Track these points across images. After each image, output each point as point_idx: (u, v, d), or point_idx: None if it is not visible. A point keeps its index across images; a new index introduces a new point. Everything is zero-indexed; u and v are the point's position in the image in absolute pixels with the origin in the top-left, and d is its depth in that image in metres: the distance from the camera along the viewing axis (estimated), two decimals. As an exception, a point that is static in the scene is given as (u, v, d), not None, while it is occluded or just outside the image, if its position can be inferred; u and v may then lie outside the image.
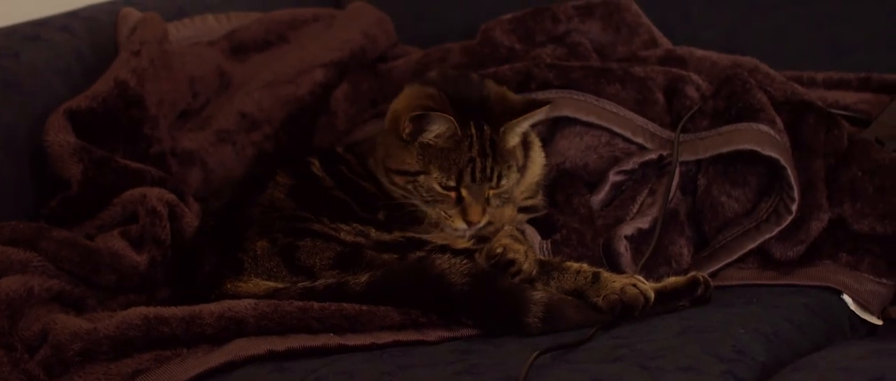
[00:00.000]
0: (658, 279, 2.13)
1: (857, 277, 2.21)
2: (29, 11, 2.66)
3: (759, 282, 2.23)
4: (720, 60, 2.56)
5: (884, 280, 2.21)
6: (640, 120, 2.41)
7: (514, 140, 2.24)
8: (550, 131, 2.44)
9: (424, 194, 2.22)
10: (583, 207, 2.31)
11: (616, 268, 2.18)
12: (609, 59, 2.62)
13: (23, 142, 2.36)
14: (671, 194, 2.30)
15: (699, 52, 2.59)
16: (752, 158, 2.29)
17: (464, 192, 2.20)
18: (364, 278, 2.03)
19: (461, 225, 2.20)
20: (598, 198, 2.36)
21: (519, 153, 2.26)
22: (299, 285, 2.06)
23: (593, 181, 2.40)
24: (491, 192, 2.21)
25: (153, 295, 2.21)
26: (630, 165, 2.36)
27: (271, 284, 2.09)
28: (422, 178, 2.21)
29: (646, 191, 2.35)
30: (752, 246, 2.24)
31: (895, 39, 2.73)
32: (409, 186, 2.22)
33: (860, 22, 2.75)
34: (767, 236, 2.24)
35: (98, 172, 2.30)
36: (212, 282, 2.12)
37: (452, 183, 2.19)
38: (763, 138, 2.28)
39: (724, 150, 2.31)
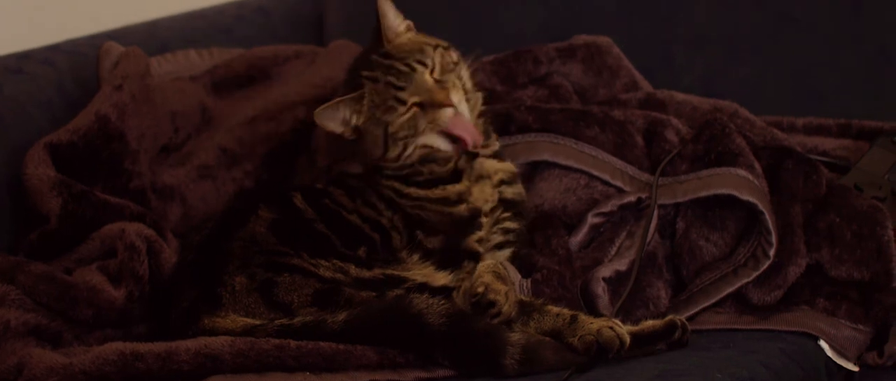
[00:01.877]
0: (636, 322, 2.13)
1: (835, 323, 2.22)
2: (10, 44, 2.66)
3: (736, 326, 2.24)
4: (700, 104, 2.57)
5: (860, 326, 2.22)
6: (619, 163, 2.42)
7: (403, 37, 2.40)
8: (530, 174, 2.45)
9: (411, 132, 2.31)
10: (562, 248, 2.31)
11: (594, 310, 2.18)
12: (590, 102, 2.63)
13: (2, 175, 2.35)
14: (649, 237, 2.30)
15: (679, 96, 2.61)
16: (730, 202, 2.29)
17: (415, 97, 2.30)
18: (342, 316, 2.02)
19: (447, 112, 2.30)
20: (577, 240, 2.36)
21: (425, 37, 2.40)
22: (276, 322, 2.05)
23: (572, 223, 2.40)
24: (431, 76, 2.31)
25: (130, 330, 2.21)
26: (609, 207, 2.37)
27: (249, 320, 2.08)
28: (391, 128, 2.31)
29: (624, 233, 2.35)
30: (729, 290, 2.25)
31: (874, 85, 2.75)
32: (401, 143, 2.32)
33: (840, 68, 2.77)
34: (745, 280, 2.24)
35: (77, 206, 2.29)
36: (189, 317, 2.11)
37: (402, 108, 2.30)
38: (741, 183, 2.28)
39: (703, 194, 2.32)
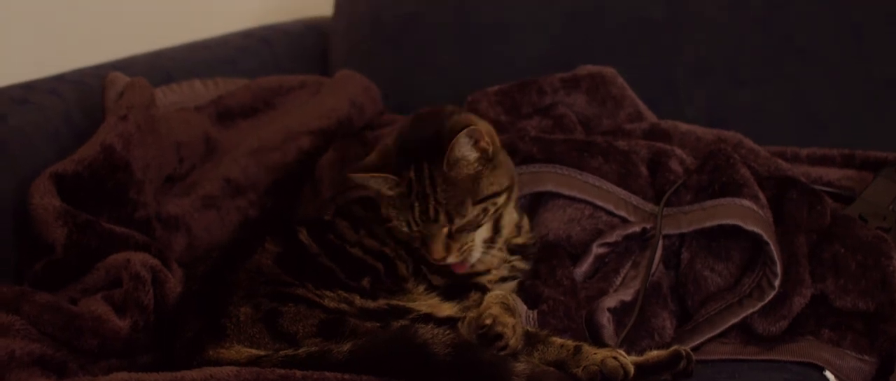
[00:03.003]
0: (640, 352, 2.12)
1: (840, 353, 2.21)
2: (16, 74, 2.66)
3: (741, 357, 2.23)
4: (704, 135, 2.58)
5: (866, 357, 2.22)
6: (623, 193, 2.42)
7: (464, 170, 2.23)
8: (534, 204, 2.46)
9: (402, 237, 2.27)
10: (566, 278, 2.31)
11: (598, 340, 2.18)
12: (594, 132, 2.64)
13: (9, 204, 2.35)
14: (654, 268, 2.30)
15: (684, 127, 2.61)
16: (735, 232, 2.29)
17: (417, 234, 2.24)
18: (347, 346, 2.02)
19: (431, 260, 2.24)
20: (582, 270, 2.36)
21: (488, 181, 2.26)
22: (281, 352, 2.05)
23: (577, 253, 2.40)
24: (448, 229, 2.23)
25: (135, 360, 2.20)
26: (613, 237, 2.37)
27: (253, 351, 2.07)
28: (392, 224, 2.26)
29: (629, 263, 2.35)
30: (734, 321, 2.24)
31: (878, 115, 2.75)
32: (394, 232, 2.27)
33: (844, 97, 2.77)
34: (750, 311, 2.24)
35: (82, 236, 2.29)
36: (194, 348, 2.11)
37: (405, 228, 2.24)
38: (746, 214, 2.28)
39: (707, 224, 2.32)
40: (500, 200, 2.28)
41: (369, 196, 2.39)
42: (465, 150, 2.22)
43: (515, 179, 2.35)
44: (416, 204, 2.22)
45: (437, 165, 2.21)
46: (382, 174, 2.23)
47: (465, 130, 2.18)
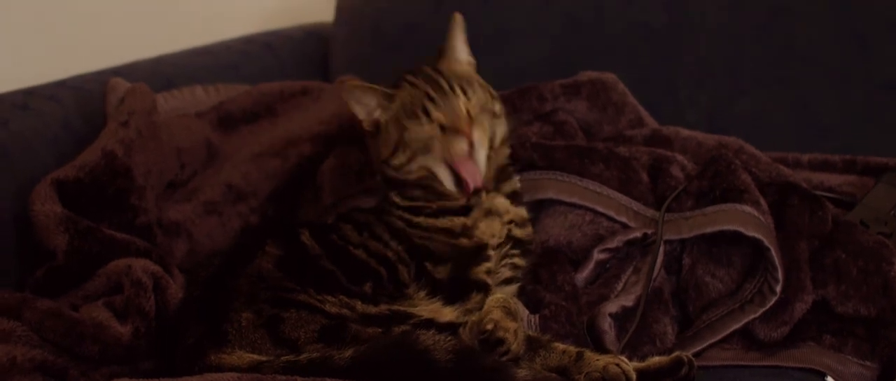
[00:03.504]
0: (642, 358, 2.13)
1: (841, 359, 2.21)
2: (17, 80, 2.66)
3: (742, 363, 2.23)
4: (706, 141, 2.58)
5: (867, 363, 2.21)
6: (624, 199, 2.42)
7: (460, 67, 2.41)
8: (535, 210, 2.46)
9: (422, 146, 2.32)
10: (568, 284, 2.31)
11: (600, 346, 2.18)
12: (595, 138, 2.64)
13: (9, 211, 2.36)
14: (655, 273, 2.30)
15: (685, 132, 2.61)
16: (736, 238, 2.29)
17: (441, 117, 2.31)
18: (348, 352, 2.01)
19: (462, 145, 2.29)
20: (583, 276, 2.36)
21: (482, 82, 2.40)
22: (283, 358, 2.05)
23: (578, 259, 2.40)
24: (467, 106, 2.32)
25: (136, 367, 2.20)
26: (614, 243, 2.37)
27: (255, 356, 2.07)
28: (407, 135, 2.33)
29: (630, 269, 2.35)
30: (736, 327, 2.24)
31: (880, 121, 2.75)
32: (409, 153, 2.34)
33: (845, 103, 2.77)
34: (752, 316, 2.24)
35: (84, 242, 2.29)
36: (195, 354, 2.10)
37: (425, 119, 2.32)
38: (747, 219, 2.28)
39: (708, 230, 2.32)
40: (498, 107, 2.39)
41: (371, 204, 2.40)
42: (459, 41, 2.42)
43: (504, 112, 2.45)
44: (430, 88, 2.33)
45: (437, 62, 2.40)
46: (382, 87, 2.36)
47: (457, 15, 2.40)
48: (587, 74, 2.72)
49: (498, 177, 2.40)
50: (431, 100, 2.33)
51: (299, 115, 2.81)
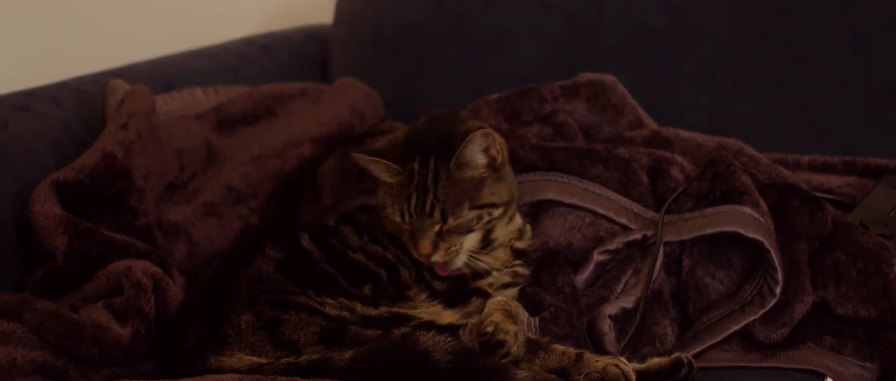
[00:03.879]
0: (642, 360, 2.13)
1: (841, 360, 2.21)
2: (17, 81, 2.66)
3: (742, 364, 2.23)
4: (705, 142, 2.58)
5: (867, 364, 2.21)
6: (623, 200, 2.42)
7: (469, 172, 2.25)
8: (535, 212, 2.46)
9: (392, 227, 2.28)
10: (568, 286, 2.31)
11: (600, 347, 2.18)
12: (595, 139, 2.64)
13: (9, 212, 2.35)
14: (655, 275, 2.30)
15: (684, 134, 2.61)
16: (736, 240, 2.29)
17: (408, 226, 2.26)
18: (348, 354, 2.01)
19: (421, 258, 2.25)
20: (583, 277, 2.36)
21: (490, 190, 2.27)
22: (283, 360, 2.05)
23: (578, 260, 2.40)
24: (440, 227, 2.24)
25: (136, 368, 2.20)
26: (614, 245, 2.37)
27: (255, 359, 2.07)
28: (386, 211, 2.27)
29: (630, 271, 2.35)
30: (736, 328, 2.24)
31: (880, 123, 2.75)
32: (385, 221, 2.29)
33: (845, 105, 2.78)
34: (751, 318, 2.24)
35: (83, 244, 2.29)
36: (195, 356, 2.10)
37: (398, 218, 2.26)
38: (747, 221, 2.28)
39: (708, 231, 2.32)
40: (496, 212, 2.29)
41: (372, 204, 2.39)
42: (475, 151, 2.24)
43: (515, 195, 2.36)
44: (415, 195, 2.24)
45: (444, 162, 2.23)
46: (386, 161, 2.25)
47: (480, 131, 2.21)
48: (587, 76, 2.72)
49: (515, 252, 2.38)
50: (411, 206, 2.25)
51: (299, 116, 2.81)
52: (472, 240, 2.28)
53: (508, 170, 2.34)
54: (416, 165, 2.25)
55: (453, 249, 2.25)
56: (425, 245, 2.23)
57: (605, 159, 2.48)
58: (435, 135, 2.29)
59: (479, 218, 2.26)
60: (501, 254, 2.35)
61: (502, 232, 2.34)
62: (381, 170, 2.27)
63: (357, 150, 2.31)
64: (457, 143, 2.22)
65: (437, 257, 2.24)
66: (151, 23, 3.30)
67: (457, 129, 2.26)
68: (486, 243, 2.32)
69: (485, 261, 2.31)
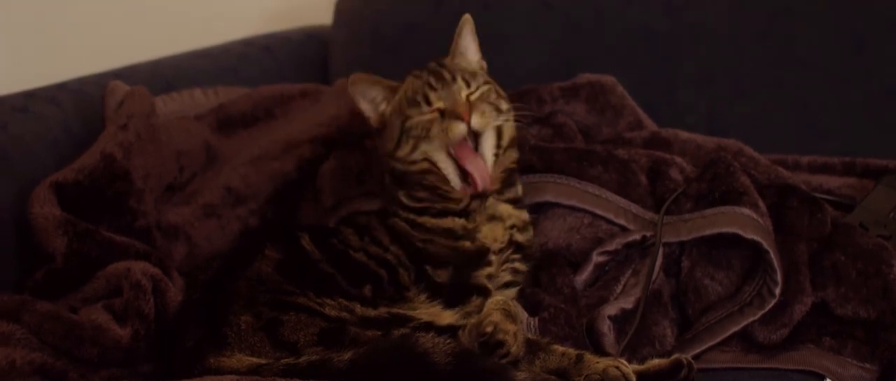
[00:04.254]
0: (641, 361, 2.13)
1: (841, 361, 2.21)
2: (17, 83, 2.67)
3: (742, 365, 2.23)
4: (705, 143, 2.58)
5: (867, 365, 2.21)
6: (622, 202, 2.42)
7: (466, 65, 2.43)
8: (534, 213, 2.46)
9: (423, 134, 2.34)
10: (567, 286, 2.31)
11: (599, 348, 2.18)
12: (594, 140, 2.64)
13: (8, 213, 2.35)
14: (654, 276, 2.30)
15: (684, 135, 2.61)
16: (735, 241, 2.29)
17: (440, 103, 2.34)
18: (348, 355, 2.01)
19: (460, 127, 2.30)
20: (582, 278, 2.36)
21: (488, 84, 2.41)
22: (282, 361, 2.05)
23: (577, 261, 2.40)
24: (468, 94, 2.35)
25: (136, 369, 2.20)
26: (613, 245, 2.37)
27: (254, 359, 2.07)
28: (408, 123, 2.35)
29: (629, 272, 2.35)
30: (735, 329, 2.24)
31: (879, 124, 2.75)
32: (412, 142, 2.35)
33: (844, 106, 2.78)
34: (751, 319, 2.24)
35: (83, 245, 2.29)
36: (195, 357, 2.10)
37: (426, 107, 2.35)
38: (746, 222, 2.28)
39: (707, 232, 2.32)
40: (504, 105, 2.39)
41: (374, 206, 2.40)
42: (469, 41, 2.44)
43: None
44: (431, 77, 2.37)
45: (441, 58, 2.42)
46: (387, 81, 2.40)
47: (467, 19, 2.41)
48: (586, 77, 2.73)
49: (504, 180, 2.40)
50: (432, 87, 2.36)
51: (298, 117, 2.81)
52: (490, 139, 2.36)
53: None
54: (415, 71, 2.41)
55: (486, 115, 2.33)
56: (461, 106, 2.32)
57: (604, 160, 2.48)
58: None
59: (496, 96, 2.39)
60: (499, 232, 2.36)
61: (508, 137, 2.40)
62: (381, 90, 2.41)
63: (361, 76, 2.42)
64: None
65: (475, 120, 2.30)
66: (151, 24, 3.30)
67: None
68: (499, 145, 2.38)
69: (484, 233, 2.35)
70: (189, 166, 2.62)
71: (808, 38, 2.80)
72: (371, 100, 2.41)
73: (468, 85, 2.36)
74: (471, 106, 2.32)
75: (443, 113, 2.33)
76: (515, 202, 2.42)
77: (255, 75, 3.05)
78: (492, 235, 2.35)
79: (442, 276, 2.29)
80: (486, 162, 2.35)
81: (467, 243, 2.33)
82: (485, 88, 2.38)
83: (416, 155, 2.36)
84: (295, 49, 3.27)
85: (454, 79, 2.36)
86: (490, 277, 2.31)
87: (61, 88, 2.69)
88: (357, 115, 2.80)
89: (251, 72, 3.07)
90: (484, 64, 2.47)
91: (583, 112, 2.69)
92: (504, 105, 2.40)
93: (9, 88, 2.62)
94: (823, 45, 2.79)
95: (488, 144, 2.36)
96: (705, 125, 2.79)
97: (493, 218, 2.36)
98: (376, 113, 2.43)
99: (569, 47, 2.98)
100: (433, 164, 2.35)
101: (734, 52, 2.86)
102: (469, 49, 2.46)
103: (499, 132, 2.38)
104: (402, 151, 2.37)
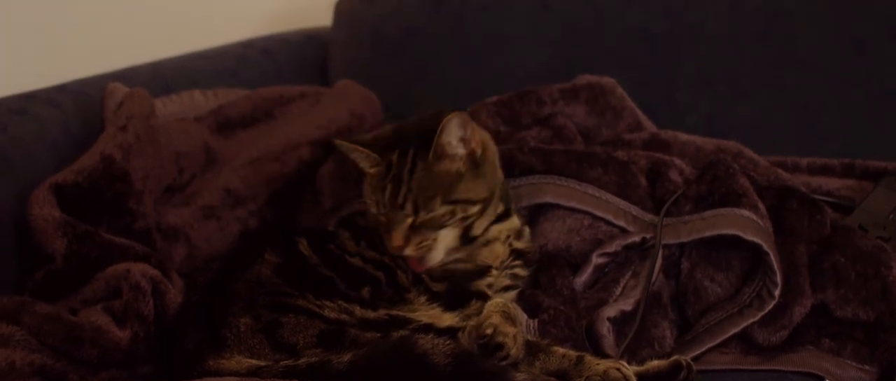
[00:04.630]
0: (641, 362, 2.12)
1: (840, 363, 2.21)
2: (16, 84, 2.66)
3: (741, 367, 2.23)
4: (704, 145, 2.58)
5: (866, 367, 2.21)
6: (622, 203, 2.42)
7: (446, 165, 2.26)
8: (534, 214, 2.46)
9: (372, 219, 2.30)
10: (566, 288, 2.31)
11: (599, 350, 2.18)
12: (594, 142, 2.64)
13: (8, 215, 2.35)
14: (654, 277, 2.30)
15: (683, 136, 2.61)
16: (735, 242, 2.29)
17: (382, 218, 2.27)
18: (347, 356, 2.01)
19: (389, 247, 2.25)
20: (582, 280, 2.36)
21: (466, 186, 2.27)
22: (282, 363, 2.05)
23: (576, 263, 2.40)
24: (412, 220, 2.24)
25: (135, 371, 2.20)
26: (613, 247, 2.37)
27: (254, 361, 2.07)
28: (366, 202, 2.29)
29: (629, 273, 2.35)
30: (735, 331, 2.24)
31: (878, 125, 2.75)
32: (369, 217, 2.31)
33: (844, 108, 2.78)
34: (751, 320, 2.24)
35: (82, 246, 2.29)
36: (194, 359, 2.10)
37: (374, 209, 2.28)
38: (746, 223, 2.28)
39: (707, 234, 2.32)
40: (473, 209, 2.28)
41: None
42: (452, 138, 2.24)
43: (497, 194, 2.34)
44: (389, 186, 2.25)
45: (422, 154, 2.24)
46: (366, 150, 2.28)
47: (456, 114, 2.22)
48: (586, 78, 2.73)
49: (514, 252, 2.38)
50: (385, 197, 2.25)
51: (298, 119, 2.81)
52: (448, 237, 2.28)
53: (490, 168, 2.33)
54: (394, 157, 2.27)
55: (425, 244, 2.25)
56: (396, 238, 2.23)
57: (603, 162, 2.48)
58: (417, 128, 2.30)
59: (453, 214, 2.26)
60: (499, 249, 2.35)
61: (481, 228, 2.33)
62: (362, 159, 2.30)
63: (342, 140, 2.33)
64: (435, 135, 2.22)
65: (408, 251, 2.25)
66: (150, 25, 3.29)
67: (439, 122, 2.24)
68: (468, 240, 2.31)
69: (483, 257, 2.32)
70: (188, 168, 2.62)
71: (808, 40, 2.80)
72: (354, 160, 2.34)
73: (415, 212, 2.24)
74: (408, 237, 2.24)
75: (385, 224, 2.27)
76: (501, 218, 2.38)
77: (255, 77, 3.05)
78: (492, 255, 2.34)
79: (438, 287, 2.29)
80: (431, 261, 2.28)
81: (468, 264, 2.32)
82: (440, 211, 2.25)
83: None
84: (294, 51, 3.27)
85: (403, 205, 2.24)
86: (490, 285, 2.31)
87: (61, 89, 2.69)
88: (357, 117, 2.81)
89: (250, 73, 3.07)
90: (478, 151, 2.29)
91: (582, 114, 2.68)
92: (473, 209, 2.28)
93: (8, 90, 2.62)
94: (823, 46, 2.79)
95: (438, 252, 2.28)
96: (705, 127, 2.79)
97: (489, 242, 2.35)
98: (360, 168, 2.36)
99: (568, 49, 2.99)
100: None
101: (734, 54, 2.86)
102: (454, 145, 2.26)
103: (466, 228, 2.30)
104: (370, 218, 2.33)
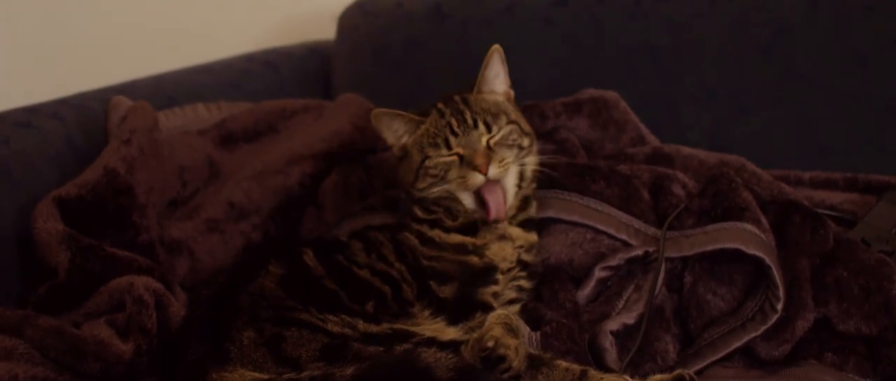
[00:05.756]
0: (644, 376, 2.12)
1: (843, 377, 2.21)
2: (20, 98, 2.67)
3: (744, 381, 2.23)
4: (707, 159, 2.58)
5: (869, 381, 2.22)
6: (624, 217, 2.42)
7: (492, 97, 2.41)
8: (537, 228, 2.45)
9: (440, 173, 2.36)
10: (569, 301, 2.31)
11: (601, 364, 2.18)
12: (597, 156, 2.64)
13: (11, 228, 2.35)
14: (657, 291, 2.30)
15: (686, 150, 2.61)
16: (737, 256, 2.29)
17: (460, 149, 2.34)
18: (350, 370, 2.01)
19: (477, 178, 2.32)
20: (584, 293, 2.36)
21: (516, 114, 2.42)
22: (285, 376, 2.04)
23: (579, 276, 2.40)
24: (488, 139, 2.34)
25: (138, 384, 2.21)
26: (615, 261, 2.37)
27: (257, 375, 2.07)
28: (428, 162, 2.35)
29: (631, 287, 2.35)
30: (737, 345, 2.24)
31: (881, 140, 2.75)
32: (429, 179, 2.37)
33: (846, 122, 2.78)
34: (753, 334, 2.23)
35: (85, 260, 2.29)
36: (197, 372, 2.10)
37: (444, 149, 2.35)
38: (748, 237, 2.28)
39: (709, 248, 2.32)
40: (526, 140, 2.39)
41: (383, 220, 2.40)
42: (498, 70, 2.42)
43: (534, 147, 2.45)
44: (453, 119, 2.36)
45: (466, 94, 2.40)
46: (408, 113, 2.38)
47: (496, 49, 2.40)
48: (589, 92, 2.73)
49: (519, 207, 2.42)
50: (453, 132, 2.35)
51: (301, 132, 2.82)
52: (512, 174, 2.37)
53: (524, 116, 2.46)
54: (440, 105, 2.39)
55: (504, 162, 2.33)
56: (479, 157, 2.32)
57: (606, 176, 2.48)
58: (442, 94, 2.43)
59: (519, 132, 2.38)
60: (508, 251, 2.37)
61: (529, 171, 2.42)
62: (404, 123, 2.39)
63: (380, 112, 2.40)
64: (472, 83, 2.39)
65: (492, 171, 2.31)
66: (154, 38, 3.30)
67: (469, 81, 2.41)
68: (522, 179, 2.40)
69: (492, 251, 2.36)
70: (192, 181, 2.63)
71: (810, 55, 2.80)
72: (394, 131, 2.41)
73: (489, 130, 2.35)
74: (489, 156, 2.32)
75: (462, 158, 2.34)
76: (526, 224, 2.42)
77: (258, 90, 3.06)
78: (501, 254, 2.35)
79: (446, 292, 2.29)
80: (507, 196, 2.36)
81: (475, 259, 2.33)
82: (507, 129, 2.37)
83: (435, 191, 2.38)
84: (297, 64, 3.27)
85: (475, 124, 2.35)
86: (495, 295, 2.31)
87: (64, 103, 2.69)
88: (359, 130, 2.81)
89: (254, 87, 3.08)
90: (512, 93, 2.46)
91: (585, 127, 2.69)
92: (526, 141, 2.40)
93: (11, 103, 2.62)
94: (825, 62, 2.79)
95: (510, 182, 2.37)
96: (707, 141, 2.79)
97: (503, 238, 2.37)
98: (398, 143, 2.43)
99: (571, 63, 2.99)
100: (452, 195, 2.37)
101: (736, 69, 2.86)
102: (497, 79, 2.44)
103: (521, 168, 2.39)
104: (421, 184, 2.38)
